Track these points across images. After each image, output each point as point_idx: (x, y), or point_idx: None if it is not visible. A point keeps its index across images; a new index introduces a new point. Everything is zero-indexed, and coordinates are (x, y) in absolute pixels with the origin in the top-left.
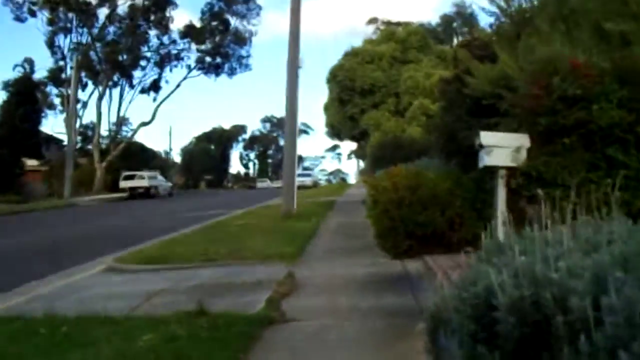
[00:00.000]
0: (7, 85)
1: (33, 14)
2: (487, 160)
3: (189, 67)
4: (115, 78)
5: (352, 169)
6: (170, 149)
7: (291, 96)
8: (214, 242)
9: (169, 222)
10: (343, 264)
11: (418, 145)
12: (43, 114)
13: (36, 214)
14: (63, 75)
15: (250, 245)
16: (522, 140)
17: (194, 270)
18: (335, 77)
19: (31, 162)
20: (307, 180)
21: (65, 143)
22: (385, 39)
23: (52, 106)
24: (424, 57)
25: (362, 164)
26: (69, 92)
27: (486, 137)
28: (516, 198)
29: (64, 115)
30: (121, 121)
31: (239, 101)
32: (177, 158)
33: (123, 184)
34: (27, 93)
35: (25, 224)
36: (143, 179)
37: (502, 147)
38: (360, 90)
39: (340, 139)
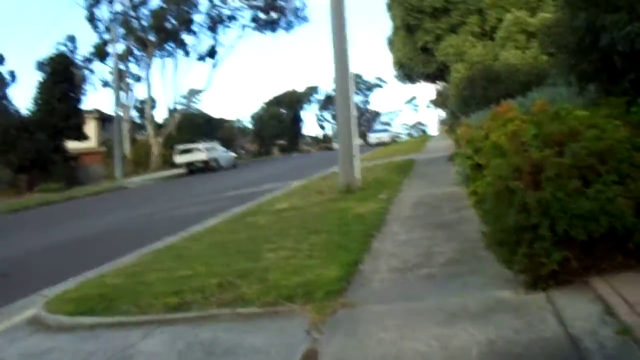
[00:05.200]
0: (41, 65)
1: None
2: None
3: (243, 26)
4: (169, 47)
5: (432, 119)
6: (239, 119)
7: (337, 27)
8: (221, 252)
9: (201, 208)
10: (428, 318)
11: (521, 75)
12: (83, 92)
13: (64, 205)
14: (110, 50)
15: (268, 263)
16: None
17: (140, 334)
18: None
19: (76, 145)
20: (384, 136)
21: (126, 122)
22: None
23: (107, 84)
24: None
25: (442, 113)
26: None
27: None
28: None
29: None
30: (192, 94)
31: (307, 62)
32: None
33: (178, 159)
34: (64, 71)
35: (32, 222)
36: (200, 152)
37: None
38: (431, 11)
39: (412, 81)
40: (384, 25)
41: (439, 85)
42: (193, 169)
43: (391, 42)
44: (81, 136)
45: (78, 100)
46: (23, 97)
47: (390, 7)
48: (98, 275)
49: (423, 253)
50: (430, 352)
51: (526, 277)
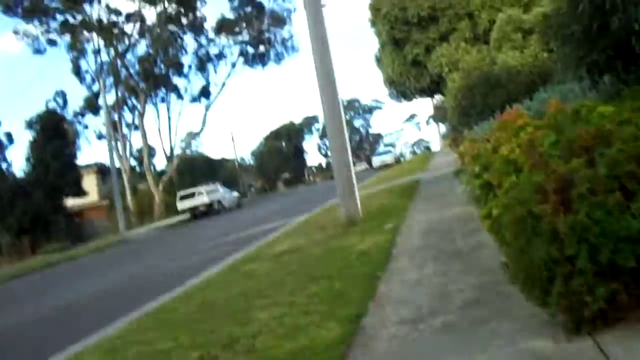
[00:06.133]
0: (31, 124)
1: (53, 43)
2: None
3: (233, 64)
4: (161, 93)
5: (434, 135)
6: (242, 157)
7: (319, 50)
8: (209, 314)
9: (200, 257)
10: None
11: (523, 76)
12: (77, 147)
13: (62, 267)
14: (101, 102)
15: (258, 325)
16: None
17: None
18: (379, 11)
19: (78, 201)
20: (388, 158)
21: (125, 173)
22: None
23: (102, 136)
24: None
25: (442, 127)
26: (112, 117)
27: None
28: None
29: (118, 142)
30: (189, 136)
31: (303, 92)
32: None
33: (181, 205)
34: (55, 127)
35: (23, 290)
36: (202, 195)
37: None
38: (417, 21)
39: (408, 97)
40: (375, 44)
41: (436, 100)
42: (197, 213)
43: (379, 60)
44: (80, 192)
45: (73, 156)
46: (19, 159)
47: (373, 23)
48: (75, 353)
49: (437, 294)
50: None
51: (566, 318)
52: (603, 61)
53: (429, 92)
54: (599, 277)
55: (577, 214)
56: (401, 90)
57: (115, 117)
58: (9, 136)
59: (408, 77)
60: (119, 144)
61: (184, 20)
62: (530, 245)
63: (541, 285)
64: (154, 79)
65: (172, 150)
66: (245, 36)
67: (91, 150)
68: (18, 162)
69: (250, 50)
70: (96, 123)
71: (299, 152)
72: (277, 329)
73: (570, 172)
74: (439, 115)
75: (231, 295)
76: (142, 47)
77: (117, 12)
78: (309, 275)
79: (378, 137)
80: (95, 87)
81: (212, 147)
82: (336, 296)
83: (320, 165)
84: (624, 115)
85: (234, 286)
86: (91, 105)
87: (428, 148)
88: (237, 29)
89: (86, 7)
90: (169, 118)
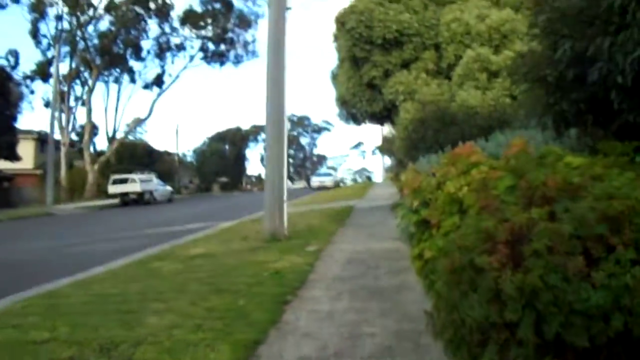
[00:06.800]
0: None
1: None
2: None
3: (191, 57)
4: (115, 73)
5: (378, 166)
6: (184, 153)
7: (275, 52)
8: (100, 307)
9: (115, 245)
10: None
11: (480, 119)
12: (19, 110)
13: None
14: (52, 69)
15: (145, 332)
16: None
17: None
18: (344, 26)
19: (11, 165)
20: (327, 181)
21: (64, 146)
22: None
23: (49, 104)
24: None
25: (388, 160)
26: (62, 87)
27: None
28: None
29: (63, 114)
30: (136, 122)
31: (255, 100)
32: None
33: (112, 189)
34: (0, 85)
35: None
36: (135, 183)
37: None
38: (381, 43)
39: (357, 121)
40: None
41: (386, 130)
42: (126, 200)
43: (335, 77)
44: (13, 156)
45: (12, 118)
46: None
47: (336, 37)
48: None
49: (348, 334)
50: None
51: None
52: (573, 113)
53: (379, 119)
54: (540, 352)
55: (527, 274)
56: (352, 112)
57: (65, 88)
58: None
59: (361, 99)
60: (63, 116)
61: (151, 5)
62: (465, 300)
63: (470, 348)
64: (111, 57)
65: (115, 132)
66: (209, 32)
67: (34, 117)
68: None
69: (212, 47)
70: (44, 90)
71: (241, 159)
72: (163, 341)
73: (527, 223)
74: (386, 147)
75: (129, 291)
76: (105, 23)
77: None
78: (215, 286)
79: (322, 158)
80: (50, 54)
81: (156, 137)
82: (237, 315)
83: (259, 175)
84: (596, 170)
85: (135, 282)
86: (42, 72)
87: (369, 178)
88: (202, 23)
89: None
90: (118, 99)
